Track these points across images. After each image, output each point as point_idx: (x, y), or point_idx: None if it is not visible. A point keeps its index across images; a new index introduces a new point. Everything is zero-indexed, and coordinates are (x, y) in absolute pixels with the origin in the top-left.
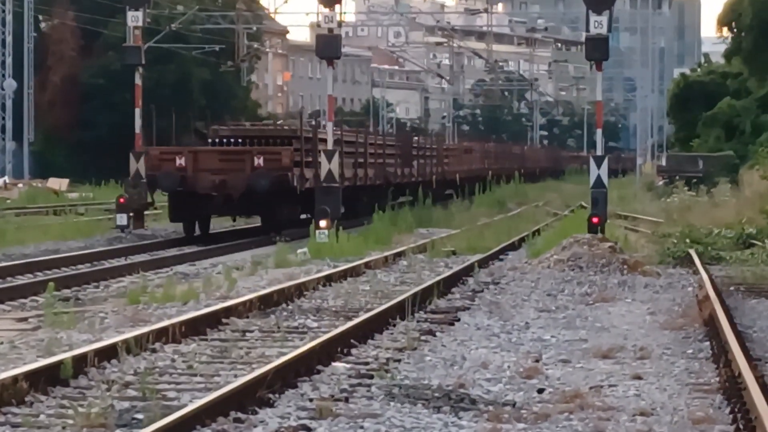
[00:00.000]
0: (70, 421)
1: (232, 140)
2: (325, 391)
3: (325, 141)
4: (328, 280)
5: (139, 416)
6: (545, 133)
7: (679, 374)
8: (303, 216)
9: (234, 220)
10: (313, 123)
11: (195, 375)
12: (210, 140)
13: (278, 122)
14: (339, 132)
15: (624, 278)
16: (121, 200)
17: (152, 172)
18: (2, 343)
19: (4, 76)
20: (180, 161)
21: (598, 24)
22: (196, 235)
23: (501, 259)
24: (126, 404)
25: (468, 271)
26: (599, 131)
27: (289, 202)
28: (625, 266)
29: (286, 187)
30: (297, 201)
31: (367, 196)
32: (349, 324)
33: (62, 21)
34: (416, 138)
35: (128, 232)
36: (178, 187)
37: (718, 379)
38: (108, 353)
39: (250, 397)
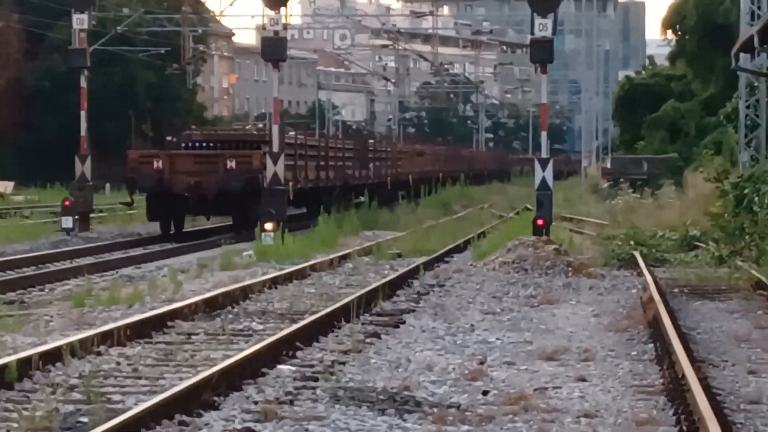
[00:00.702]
0: (15, 425)
1: (204, 144)
2: (270, 394)
3: (292, 145)
4: (274, 282)
5: (84, 419)
6: (491, 135)
7: (623, 376)
8: None
9: (208, 219)
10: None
11: (140, 378)
12: (183, 144)
13: (247, 127)
14: (303, 136)
15: (569, 280)
16: (67, 203)
17: (132, 174)
18: None
19: None
20: (158, 164)
21: (543, 26)
22: (171, 233)
23: (446, 262)
24: (71, 407)
25: (413, 273)
26: (544, 133)
27: (260, 202)
28: (570, 268)
29: (256, 188)
30: None
31: (329, 197)
32: (295, 326)
33: (7, 23)
34: (371, 141)
35: (73, 235)
36: (156, 188)
37: (661, 380)
38: (53, 356)
39: (194, 400)
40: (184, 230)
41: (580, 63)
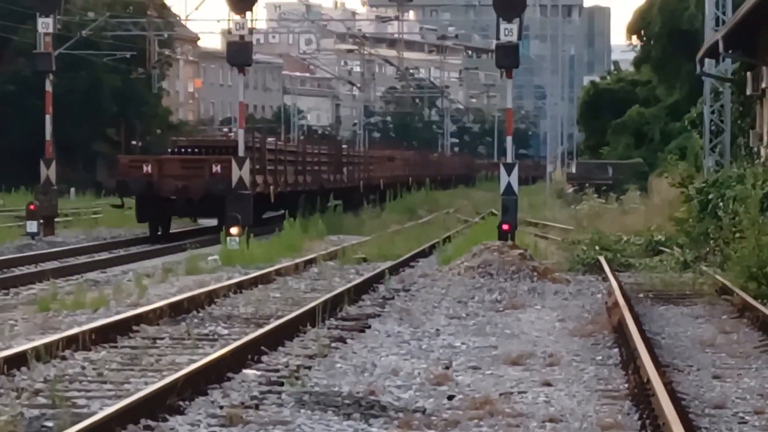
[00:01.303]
0: None
1: (189, 150)
2: (236, 399)
3: (273, 150)
4: (239, 287)
5: (49, 424)
6: (456, 140)
7: (589, 381)
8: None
9: (194, 221)
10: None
11: (105, 382)
12: (170, 150)
13: (229, 134)
14: (282, 143)
15: (534, 285)
16: (32, 207)
17: (122, 177)
18: None
19: None
20: (147, 168)
21: (509, 32)
22: (159, 234)
23: (412, 266)
24: (36, 412)
25: (379, 278)
26: (509, 138)
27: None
28: (535, 273)
29: None
30: None
31: (306, 200)
32: (260, 331)
33: None
34: (345, 146)
35: (38, 239)
36: (146, 191)
37: (626, 385)
38: (18, 361)
39: (160, 405)
40: (171, 231)
41: (545, 68)
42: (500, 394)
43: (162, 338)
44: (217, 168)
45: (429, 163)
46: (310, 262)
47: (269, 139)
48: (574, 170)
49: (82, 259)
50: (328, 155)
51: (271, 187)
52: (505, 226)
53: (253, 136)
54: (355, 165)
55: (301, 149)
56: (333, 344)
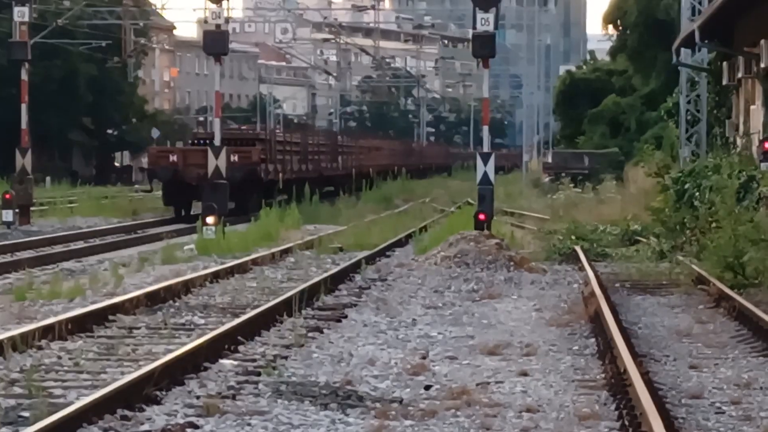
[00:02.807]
0: None
1: (208, 141)
2: (213, 389)
3: (281, 142)
4: (215, 276)
5: (25, 414)
6: (432, 129)
7: (565, 371)
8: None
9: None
10: (272, 127)
11: (82, 372)
12: (191, 141)
13: (242, 127)
14: (289, 133)
15: (510, 275)
16: (7, 196)
17: (152, 166)
18: None
19: None
20: (173, 158)
21: (485, 21)
22: (182, 215)
23: (388, 256)
24: (12, 402)
25: (355, 267)
26: (486, 128)
27: (257, 189)
28: (512, 263)
29: (255, 178)
30: (263, 189)
31: (308, 186)
32: (236, 321)
33: None
34: (339, 137)
35: (14, 228)
36: (171, 178)
37: (603, 375)
38: None
39: (137, 395)
40: (191, 213)
41: (521, 58)
42: (477, 384)
43: (138, 328)
44: (234, 157)
45: (411, 153)
46: (286, 252)
47: (278, 131)
48: (550, 160)
49: (58, 248)
50: (326, 145)
51: (280, 175)
52: (481, 216)
53: (266, 130)
54: (348, 154)
55: (303, 140)
56: (309, 334)
